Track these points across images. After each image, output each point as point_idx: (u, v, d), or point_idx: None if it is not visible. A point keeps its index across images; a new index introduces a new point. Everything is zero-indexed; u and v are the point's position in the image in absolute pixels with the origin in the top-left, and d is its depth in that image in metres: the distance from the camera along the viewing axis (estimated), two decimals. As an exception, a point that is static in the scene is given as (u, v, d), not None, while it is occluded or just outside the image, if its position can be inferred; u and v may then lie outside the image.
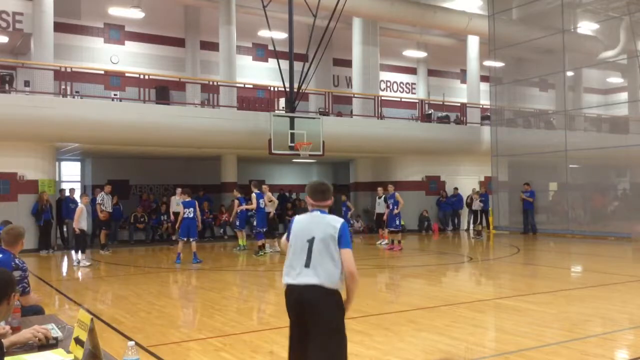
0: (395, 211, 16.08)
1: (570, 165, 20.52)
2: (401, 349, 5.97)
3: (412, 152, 21.91)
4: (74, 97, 16.98)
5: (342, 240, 3.96)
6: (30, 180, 16.27)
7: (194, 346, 6.26)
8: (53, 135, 16.01)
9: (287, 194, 23.91)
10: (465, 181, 23.16)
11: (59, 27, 19.32)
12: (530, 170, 22.00)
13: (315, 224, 4.05)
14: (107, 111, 16.36)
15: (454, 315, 7.60)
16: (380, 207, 17.48)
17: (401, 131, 21.15)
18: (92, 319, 2.80)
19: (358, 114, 21.45)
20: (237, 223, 16.10)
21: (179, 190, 16.73)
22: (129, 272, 13.05)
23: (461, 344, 6.14)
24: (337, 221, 4.05)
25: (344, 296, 4.01)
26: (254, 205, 15.13)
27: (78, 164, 23.07)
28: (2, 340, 2.97)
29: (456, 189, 22.84)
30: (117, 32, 21.97)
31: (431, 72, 29.57)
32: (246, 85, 21.12)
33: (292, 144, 17.17)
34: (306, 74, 17.49)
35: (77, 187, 21.51)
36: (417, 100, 24.43)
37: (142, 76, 17.96)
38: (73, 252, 14.39)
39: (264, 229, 15.27)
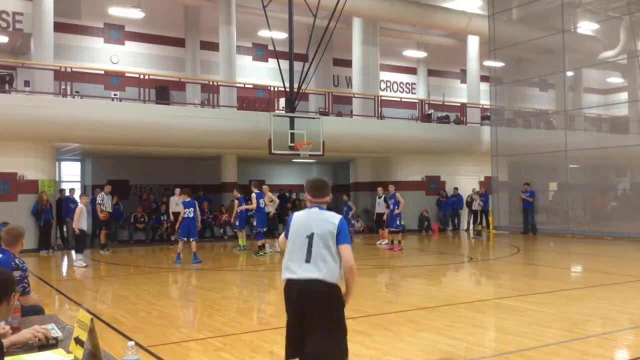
0: (396, 211, 16.07)
1: (570, 165, 20.52)
2: (401, 349, 5.97)
3: (412, 152, 21.91)
4: (74, 97, 16.98)
5: (341, 236, 4.05)
6: (30, 180, 16.27)
7: (194, 346, 6.26)
8: (53, 135, 16.01)
9: (287, 194, 23.91)
10: (465, 181, 23.16)
11: (59, 27, 19.32)
12: (530, 170, 22.00)
13: (314, 220, 4.12)
14: (107, 111, 16.36)
15: (454, 315, 7.60)
16: (380, 207, 17.48)
17: (401, 131, 21.15)
18: (92, 319, 2.80)
19: (358, 114, 21.46)
20: (237, 223, 16.10)
21: (177, 190, 16.76)
22: (129, 272, 13.05)
23: (461, 344, 6.13)
24: (335, 217, 4.14)
25: (342, 291, 4.09)
26: (254, 205, 15.14)
27: (78, 164, 23.07)
28: (2, 340, 2.97)
29: (456, 189, 22.85)
30: (117, 32, 21.97)
31: (431, 72, 29.57)
32: (246, 85, 21.12)
33: (292, 144, 17.17)
34: (306, 74, 17.49)
35: (77, 187, 21.52)
36: (417, 100, 24.44)
37: (142, 76, 17.96)
38: (73, 252, 14.39)
39: (264, 229, 15.28)
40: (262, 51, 24.69)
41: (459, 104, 24.42)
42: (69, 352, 3.04)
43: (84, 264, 13.46)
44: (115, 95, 19.32)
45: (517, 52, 23.60)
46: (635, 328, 7.03)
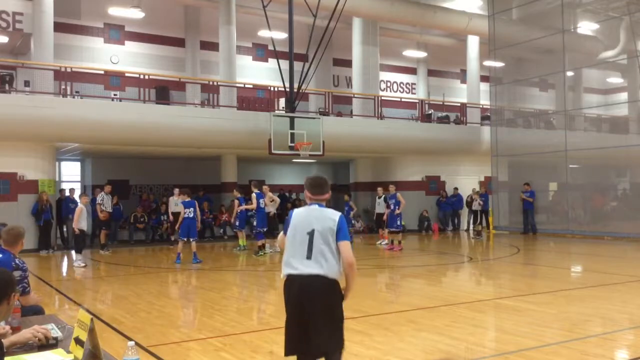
0: (397, 211, 16.06)
1: (570, 165, 20.52)
2: (401, 349, 5.97)
3: (412, 152, 21.91)
4: (74, 97, 16.99)
5: (341, 233, 4.13)
6: (30, 180, 16.27)
7: (194, 346, 6.26)
8: (53, 135, 16.01)
9: (287, 194, 23.91)
10: (465, 181, 23.17)
11: (59, 27, 19.32)
12: (530, 170, 22.00)
13: (314, 218, 4.19)
14: (107, 111, 16.36)
15: (454, 315, 7.60)
16: (380, 207, 17.48)
17: (401, 131, 21.15)
18: (92, 319, 2.80)
19: (358, 114, 21.46)
20: (237, 223, 16.11)
21: (176, 190, 16.79)
22: (129, 272, 13.05)
23: (461, 344, 6.14)
24: (335, 214, 4.21)
25: (340, 286, 4.18)
26: (254, 205, 15.14)
27: (78, 164, 23.07)
28: (2, 340, 2.97)
29: (456, 189, 22.85)
30: (117, 32, 21.98)
31: (431, 72, 29.57)
32: (246, 85, 21.12)
33: (292, 144, 17.17)
34: (306, 74, 17.49)
35: (77, 187, 21.52)
36: (417, 100, 24.44)
37: (142, 76, 17.96)
38: (73, 252, 14.39)
39: (264, 229, 15.27)
40: (262, 51, 24.70)
41: (459, 104, 24.42)
42: (69, 352, 3.04)
43: (83, 264, 13.46)
44: (115, 95, 19.32)
45: (517, 52, 23.60)
46: (635, 328, 7.03)
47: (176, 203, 16.63)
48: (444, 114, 23.77)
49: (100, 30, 21.71)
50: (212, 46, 22.54)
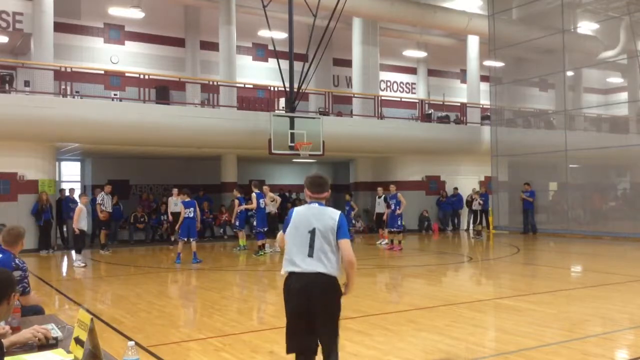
0: (398, 211, 16.06)
1: (570, 165, 20.52)
2: (401, 349, 5.97)
3: (412, 152, 21.91)
4: (74, 97, 17.00)
5: (341, 231, 4.21)
6: (30, 180, 16.27)
7: (194, 346, 6.26)
8: (53, 135, 16.01)
9: (287, 194, 23.91)
10: (465, 181, 23.17)
11: (59, 27, 19.32)
12: (530, 170, 22.01)
13: (315, 216, 4.26)
14: (107, 111, 16.36)
15: (454, 315, 7.60)
16: (380, 207, 17.49)
17: (401, 131, 21.15)
18: (92, 319, 2.80)
19: (358, 114, 21.46)
20: (237, 223, 16.11)
21: (175, 190, 16.80)
22: (129, 272, 13.05)
23: (461, 344, 6.14)
24: (335, 213, 4.29)
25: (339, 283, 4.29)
26: (254, 205, 15.14)
27: (78, 164, 23.07)
28: (2, 340, 2.97)
29: (456, 188, 22.85)
30: (117, 32, 21.98)
31: (431, 72, 29.57)
32: (246, 85, 21.12)
33: (292, 144, 17.17)
34: (306, 74, 17.49)
35: (77, 187, 21.52)
36: (417, 100, 24.43)
37: (142, 76, 17.96)
38: (73, 252, 14.40)
39: (265, 229, 15.27)
40: (262, 51, 24.70)
41: (459, 104, 24.42)
42: (69, 352, 3.04)
43: (83, 264, 13.46)
44: (115, 95, 19.32)
45: (517, 52, 23.60)
46: (635, 328, 7.03)
47: (175, 203, 16.65)
48: (444, 113, 23.77)
49: (100, 30, 21.71)
50: (212, 46, 22.53)
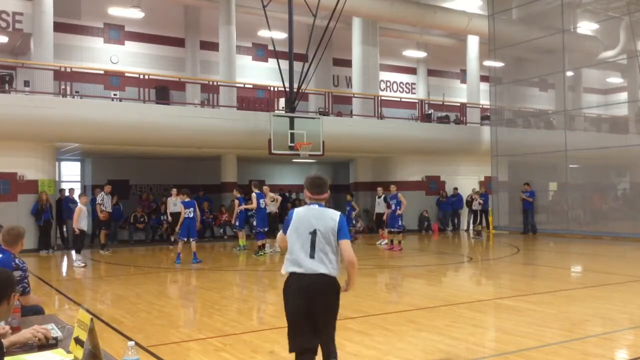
0: (399, 211, 16.06)
1: (570, 165, 20.52)
2: (401, 349, 5.97)
3: (412, 152, 21.91)
4: (74, 97, 16.99)
5: (342, 232, 4.27)
6: (30, 180, 16.27)
7: (194, 346, 6.26)
8: (53, 135, 16.01)
9: (287, 194, 23.90)
10: (465, 181, 23.17)
11: (58, 27, 19.33)
12: (530, 170, 22.01)
13: (315, 217, 4.31)
14: (107, 111, 16.36)
15: (454, 315, 7.60)
16: (380, 207, 17.48)
17: (401, 131, 21.15)
18: (92, 319, 2.80)
19: (358, 114, 21.46)
20: (237, 223, 16.11)
21: (174, 190, 16.80)
22: (129, 272, 13.05)
23: (461, 344, 6.14)
24: (335, 214, 4.35)
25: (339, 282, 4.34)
26: (254, 205, 15.14)
27: (78, 164, 23.08)
28: (2, 340, 2.97)
29: (456, 189, 22.84)
30: (117, 32, 21.98)
31: (431, 72, 29.58)
32: (246, 85, 21.12)
33: (292, 144, 17.17)
34: (306, 74, 17.49)
35: (77, 187, 21.52)
36: (417, 100, 24.43)
37: (142, 76, 17.96)
38: (73, 252, 14.40)
39: (265, 229, 15.27)
40: (262, 51, 24.70)
41: (458, 104, 24.42)
42: (69, 352, 3.04)
43: (83, 264, 13.46)
44: (115, 95, 19.32)
45: (517, 52, 23.60)
46: (635, 328, 7.02)
47: (174, 203, 16.65)
48: (444, 113, 23.77)
49: (100, 30, 21.71)
50: (212, 46, 22.54)
